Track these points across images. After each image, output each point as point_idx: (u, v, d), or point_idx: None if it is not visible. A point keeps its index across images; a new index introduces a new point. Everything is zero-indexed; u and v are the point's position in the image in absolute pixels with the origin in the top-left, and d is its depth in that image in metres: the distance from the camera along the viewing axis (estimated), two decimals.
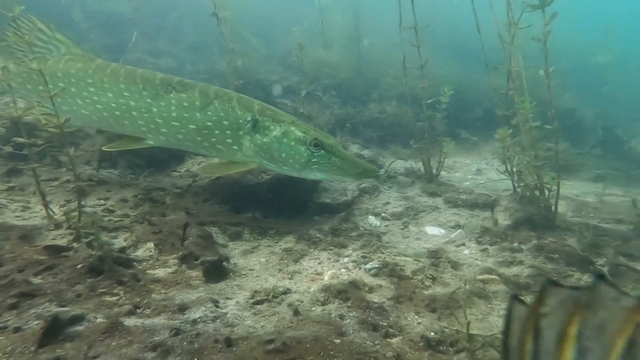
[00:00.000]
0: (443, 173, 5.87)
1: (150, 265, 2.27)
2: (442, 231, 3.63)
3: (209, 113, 2.84)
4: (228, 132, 2.87)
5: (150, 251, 2.40)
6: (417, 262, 2.74)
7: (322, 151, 2.81)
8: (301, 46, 5.30)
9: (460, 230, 3.54)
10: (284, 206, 3.64)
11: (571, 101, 9.08)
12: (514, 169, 3.69)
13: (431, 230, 3.65)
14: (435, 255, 2.84)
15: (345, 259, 2.85)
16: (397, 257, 2.80)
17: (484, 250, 2.94)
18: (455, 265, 2.71)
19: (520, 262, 2.68)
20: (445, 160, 6.56)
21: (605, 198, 4.43)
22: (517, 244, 3.06)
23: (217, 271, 2.42)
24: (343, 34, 10.13)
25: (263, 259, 2.82)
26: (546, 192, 3.33)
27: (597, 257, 2.78)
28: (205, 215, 3.25)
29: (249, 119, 2.85)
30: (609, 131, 8.00)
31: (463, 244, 3.15)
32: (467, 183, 5.44)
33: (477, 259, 2.82)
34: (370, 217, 3.86)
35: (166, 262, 2.35)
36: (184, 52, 13.12)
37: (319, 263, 2.79)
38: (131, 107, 2.90)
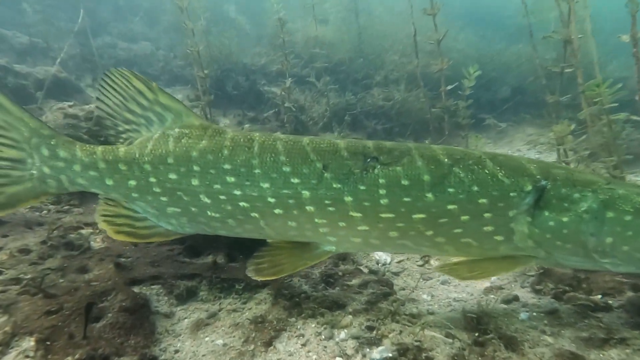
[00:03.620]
0: None
1: None
2: None
3: (450, 190, 1.83)
4: (487, 215, 1.83)
5: (27, 355, 1.59)
6: (451, 341, 1.91)
7: None
8: (282, 22, 4.39)
9: None
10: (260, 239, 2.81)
11: (619, 70, 7.96)
12: None
13: None
14: (477, 325, 2.00)
15: (343, 334, 2.03)
16: (421, 332, 1.97)
17: (552, 312, 2.09)
18: (511, 345, 1.87)
19: (622, 341, 1.82)
20: None
21: None
22: (599, 296, 2.20)
23: None
24: (339, 6, 9.09)
25: (220, 341, 2.00)
26: None
27: None
28: (145, 266, 2.44)
29: (529, 188, 1.81)
30: None
31: (514, 298, 2.30)
32: None
33: (544, 331, 1.97)
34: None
35: None
36: (161, 35, 12.13)
37: (303, 345, 1.97)
38: (304, 199, 1.90)
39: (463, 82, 3.99)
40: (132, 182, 2.06)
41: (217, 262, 2.59)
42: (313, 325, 2.09)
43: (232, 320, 2.17)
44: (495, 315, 2.08)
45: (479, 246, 1.89)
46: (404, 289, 2.65)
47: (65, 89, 5.80)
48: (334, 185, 1.88)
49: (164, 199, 2.05)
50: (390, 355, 1.82)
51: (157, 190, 2.04)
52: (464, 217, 1.82)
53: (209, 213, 2.03)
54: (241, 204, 1.96)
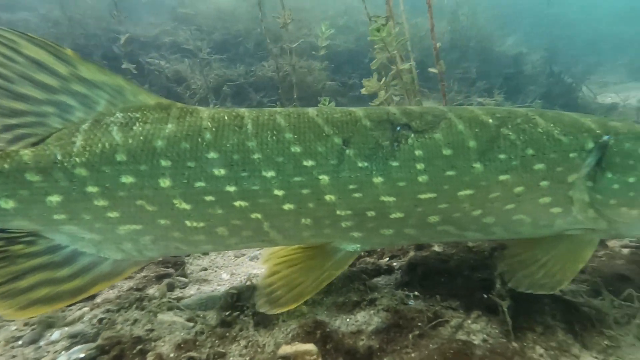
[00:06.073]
0: None
1: None
2: None
3: (501, 157, 1.49)
4: (544, 184, 1.51)
5: None
6: (191, 325, 1.52)
7: None
8: None
9: None
10: None
11: (515, 46, 8.24)
12: None
13: None
14: (234, 303, 1.64)
15: (57, 334, 1.57)
16: (154, 318, 1.56)
17: None
18: (264, 321, 1.54)
19: (372, 302, 1.57)
20: None
21: None
22: (387, 259, 1.94)
23: None
24: None
25: None
26: None
27: None
28: None
29: (591, 146, 1.52)
30: (557, 78, 7.28)
31: None
32: None
33: (307, 301, 1.65)
34: None
35: None
36: (45, 3, 10.68)
37: None
38: (323, 187, 1.47)
39: (317, 41, 3.66)
40: (55, 198, 1.43)
41: None
42: (14, 329, 1.60)
43: None
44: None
45: (532, 223, 1.56)
46: (206, 269, 2.26)
47: None
48: (359, 165, 1.48)
49: (113, 214, 1.45)
50: (83, 355, 1.38)
51: (102, 203, 1.44)
52: (518, 189, 1.50)
53: (188, 224, 1.49)
54: (237, 203, 1.47)
